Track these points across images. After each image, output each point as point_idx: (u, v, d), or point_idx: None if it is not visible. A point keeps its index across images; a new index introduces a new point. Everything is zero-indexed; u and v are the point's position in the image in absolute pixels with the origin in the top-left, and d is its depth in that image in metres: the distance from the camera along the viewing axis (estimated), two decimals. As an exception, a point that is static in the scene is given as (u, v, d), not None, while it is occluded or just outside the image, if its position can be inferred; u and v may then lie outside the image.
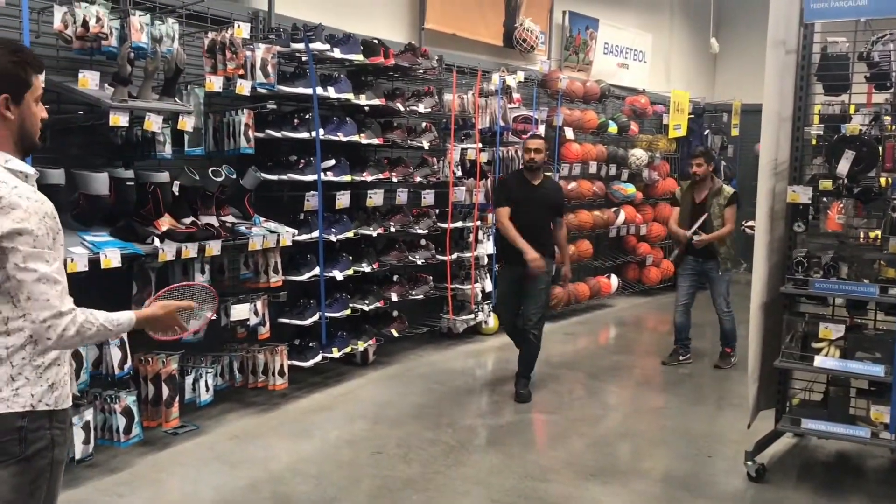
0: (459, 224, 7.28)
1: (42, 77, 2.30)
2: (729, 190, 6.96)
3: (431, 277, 7.09)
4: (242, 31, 4.95)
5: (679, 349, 7.19)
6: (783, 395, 4.85)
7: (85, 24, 4.20)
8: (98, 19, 4.22)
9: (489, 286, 7.69)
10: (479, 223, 7.44)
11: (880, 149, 4.38)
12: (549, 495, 4.34)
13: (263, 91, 5.27)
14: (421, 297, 6.96)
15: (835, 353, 4.45)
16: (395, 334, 6.69)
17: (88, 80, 4.10)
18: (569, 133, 8.74)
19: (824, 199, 4.56)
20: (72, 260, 4.01)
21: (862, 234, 4.60)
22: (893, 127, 4.46)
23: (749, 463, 4.54)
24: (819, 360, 4.44)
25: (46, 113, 2.32)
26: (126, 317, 2.33)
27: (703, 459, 4.91)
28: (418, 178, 6.77)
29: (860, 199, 4.56)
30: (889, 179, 4.53)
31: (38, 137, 2.28)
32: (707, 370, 6.98)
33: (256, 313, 5.32)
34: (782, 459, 4.88)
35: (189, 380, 4.98)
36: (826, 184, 4.47)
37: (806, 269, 4.52)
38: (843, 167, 4.39)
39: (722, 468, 4.74)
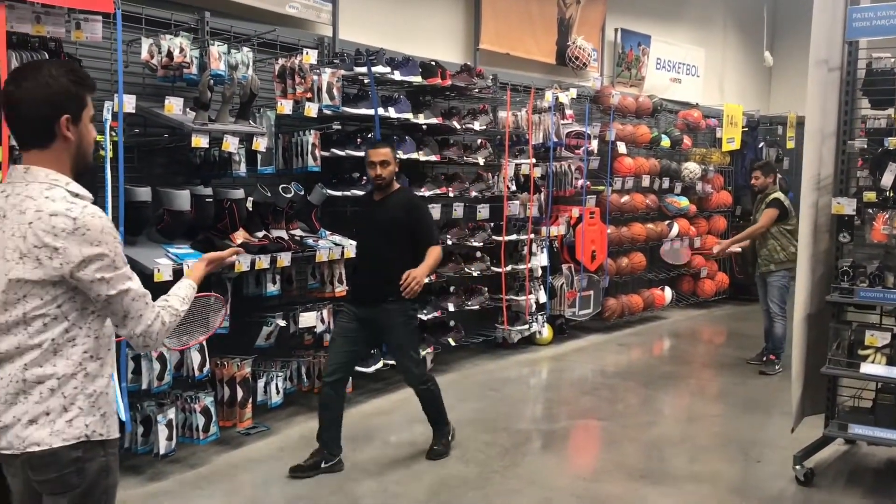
0: (513, 237, 7.52)
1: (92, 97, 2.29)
2: (773, 195, 7.15)
3: (486, 289, 7.34)
4: (311, 57, 5.30)
5: (773, 358, 7.36)
6: (831, 401, 4.96)
7: (170, 54, 4.60)
8: (181, 49, 4.61)
9: (543, 297, 7.90)
10: (532, 236, 7.67)
11: (924, 161, 4.50)
12: (601, 494, 4.53)
13: (329, 112, 5.61)
14: (476, 307, 7.22)
15: (881, 360, 4.56)
16: (452, 343, 6.95)
17: (173, 106, 4.48)
18: (622, 147, 8.92)
19: (869, 211, 4.68)
20: (158, 270, 4.37)
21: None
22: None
23: (798, 467, 4.66)
24: (865, 367, 4.55)
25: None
26: (185, 285, 2.39)
27: (752, 464, 5.05)
28: (474, 193, 7.05)
29: (906, 210, 4.68)
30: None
31: (89, 159, 2.28)
32: (760, 379, 7.07)
33: (322, 321, 5.64)
34: (832, 465, 4.98)
35: (261, 383, 5.32)
36: (870, 195, 4.60)
37: (851, 278, 4.64)
38: (888, 179, 4.52)
39: (771, 472, 4.87)
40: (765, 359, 7.30)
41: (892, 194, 4.57)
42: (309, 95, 5.42)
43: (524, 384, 6.94)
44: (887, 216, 4.60)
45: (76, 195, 2.15)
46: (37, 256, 2.06)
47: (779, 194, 7.21)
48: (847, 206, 4.61)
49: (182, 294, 2.39)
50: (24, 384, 2.12)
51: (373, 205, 4.85)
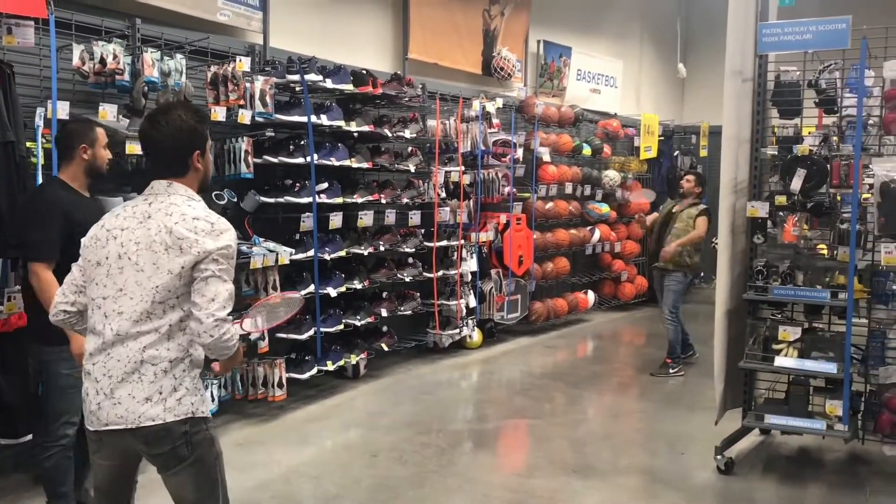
0: (444, 243, 7.66)
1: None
2: (703, 206, 7.45)
3: (419, 294, 7.46)
4: (244, 64, 5.32)
5: (669, 362, 7.61)
6: (749, 394, 5.27)
7: (102, 60, 4.57)
8: (115, 56, 4.58)
9: (473, 302, 8.06)
10: (463, 241, 7.82)
11: (829, 167, 4.84)
12: (535, 489, 4.70)
13: (262, 120, 5.64)
14: (409, 312, 7.32)
15: (793, 353, 4.87)
16: (385, 348, 7.03)
17: (107, 112, 4.45)
18: (546, 156, 9.18)
19: (780, 214, 5.00)
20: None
21: (814, 245, 5.04)
22: (840, 147, 4.93)
23: (718, 457, 4.92)
24: (779, 361, 4.86)
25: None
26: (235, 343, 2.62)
27: (676, 456, 5.30)
28: (405, 200, 7.16)
29: (813, 213, 5.02)
30: (839, 195, 4.99)
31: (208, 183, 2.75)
32: (680, 377, 7.38)
33: (257, 327, 5.63)
34: (749, 455, 5.27)
35: (196, 390, 5.28)
36: (781, 199, 4.92)
37: (766, 277, 4.95)
38: (796, 184, 4.84)
39: (694, 463, 5.12)
40: (666, 361, 7.54)
41: (800, 198, 4.89)
42: (242, 103, 5.43)
43: (456, 387, 7.08)
44: (796, 218, 4.92)
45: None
46: (180, 246, 2.47)
47: (706, 207, 7.49)
48: (760, 210, 4.92)
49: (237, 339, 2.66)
50: (140, 364, 2.47)
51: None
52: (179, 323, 2.51)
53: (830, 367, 4.71)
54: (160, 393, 2.48)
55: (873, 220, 4.62)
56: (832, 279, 4.88)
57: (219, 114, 5.25)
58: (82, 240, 2.64)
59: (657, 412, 6.34)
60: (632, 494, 4.69)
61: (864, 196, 4.78)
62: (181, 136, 2.58)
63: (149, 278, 2.48)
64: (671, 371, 7.43)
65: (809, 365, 4.78)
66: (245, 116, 5.44)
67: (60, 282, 2.80)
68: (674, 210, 7.55)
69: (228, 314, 2.49)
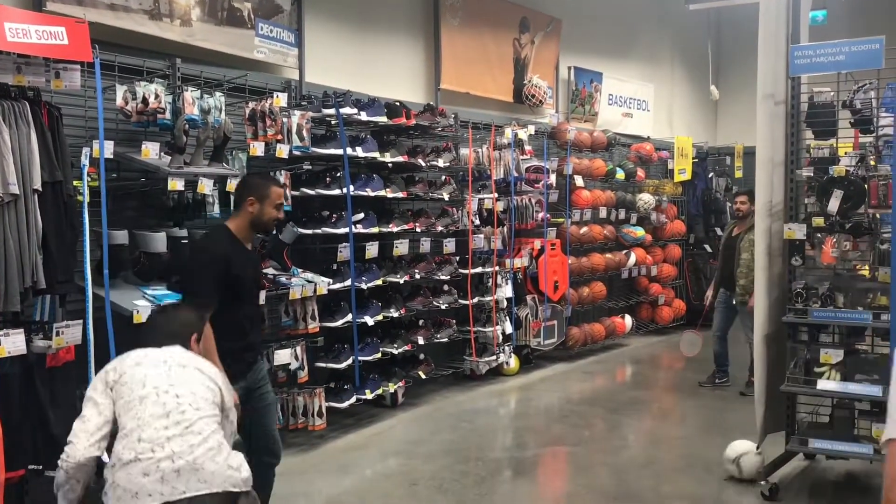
0: (479, 270, 7.69)
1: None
2: None
3: (454, 321, 7.48)
4: (280, 100, 5.45)
5: (716, 372, 7.71)
6: (791, 418, 5.19)
7: (145, 100, 4.71)
8: (156, 95, 4.73)
9: (509, 328, 8.07)
10: (497, 268, 7.85)
11: (867, 187, 4.80)
12: (577, 517, 4.67)
13: (299, 153, 5.75)
14: (445, 339, 7.35)
15: (836, 376, 4.81)
16: (423, 376, 7.05)
17: (150, 151, 4.58)
18: (579, 181, 9.20)
19: (818, 235, 4.96)
20: (137, 311, 4.43)
21: (854, 266, 4.98)
22: (877, 167, 4.88)
23: (763, 483, 4.86)
24: (821, 384, 4.80)
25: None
26: None
27: (719, 482, 5.23)
28: (440, 228, 7.22)
29: (852, 234, 4.97)
30: (878, 215, 4.94)
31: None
32: (722, 402, 7.30)
33: (297, 358, 5.72)
34: (794, 480, 5.19)
35: (237, 421, 5.35)
36: (819, 221, 4.88)
37: (805, 299, 4.90)
38: (833, 205, 4.81)
39: (737, 489, 5.05)
40: (747, 382, 7.41)
41: (838, 219, 4.85)
42: (279, 137, 5.55)
43: (494, 414, 7.07)
44: (835, 240, 4.88)
45: None
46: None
47: None
48: (798, 232, 4.89)
49: None
50: None
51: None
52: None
53: (875, 390, 4.63)
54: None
55: (914, 239, 4.56)
56: (874, 300, 4.81)
57: (257, 149, 5.37)
58: None
59: (698, 437, 6.27)
60: (675, 522, 4.64)
61: (905, 216, 4.72)
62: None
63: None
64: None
65: (853, 388, 4.71)
66: (283, 151, 5.55)
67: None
68: (734, 234, 7.56)
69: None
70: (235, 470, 2.80)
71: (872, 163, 4.88)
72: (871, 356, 4.95)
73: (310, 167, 6.05)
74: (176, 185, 4.64)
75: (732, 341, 7.76)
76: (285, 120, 5.62)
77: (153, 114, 4.79)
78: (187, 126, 4.81)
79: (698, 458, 5.73)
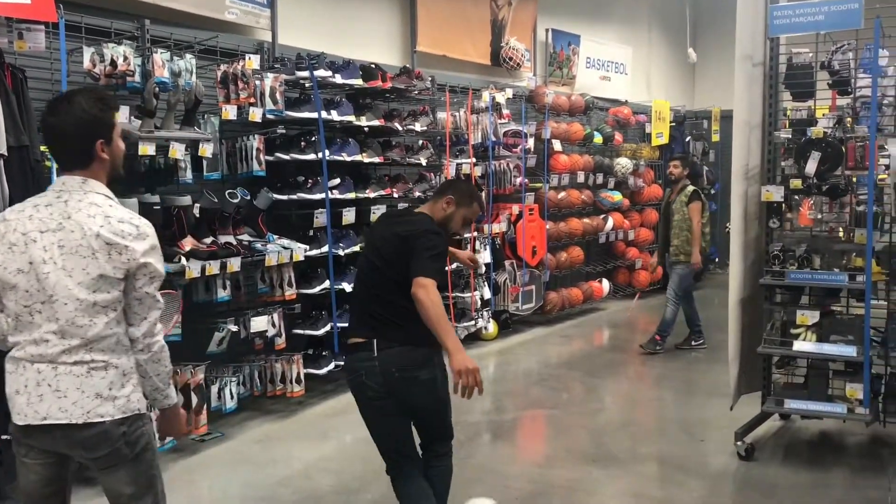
0: (456, 235, 7.64)
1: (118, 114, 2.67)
2: (690, 189, 7.51)
3: (433, 287, 7.44)
4: (253, 62, 5.33)
5: (690, 334, 7.88)
6: (767, 379, 5.24)
7: (113, 62, 4.58)
8: (125, 58, 4.60)
9: (488, 293, 8.06)
10: (475, 233, 7.82)
11: (844, 149, 4.79)
12: (555, 479, 4.70)
13: (272, 117, 5.65)
14: (424, 305, 7.30)
15: (811, 337, 4.84)
16: (401, 342, 7.01)
17: (119, 114, 4.45)
18: (557, 145, 9.15)
19: (796, 197, 4.96)
20: (109, 279, 4.34)
21: (831, 228, 5.00)
22: (855, 128, 4.88)
23: (738, 443, 4.90)
24: (798, 345, 4.83)
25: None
26: (173, 391, 2.67)
27: (695, 443, 5.29)
28: (417, 193, 7.15)
29: (829, 196, 4.98)
30: (854, 177, 4.95)
31: (120, 170, 2.64)
32: (697, 364, 7.36)
33: (273, 325, 5.67)
34: (769, 440, 5.25)
35: (214, 389, 5.32)
36: (796, 183, 4.88)
37: (782, 262, 4.92)
38: (811, 167, 4.80)
39: (714, 450, 5.10)
40: (655, 338, 7.75)
41: (815, 181, 4.85)
42: (252, 100, 5.44)
43: (473, 379, 7.07)
44: (812, 202, 4.89)
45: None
46: (108, 252, 2.41)
47: (694, 188, 7.63)
48: (776, 194, 4.88)
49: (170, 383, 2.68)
50: (81, 364, 2.42)
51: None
52: (113, 326, 2.46)
53: (850, 351, 4.68)
54: (106, 390, 2.43)
55: (890, 201, 4.57)
56: (849, 262, 4.84)
57: (230, 112, 5.27)
58: None
59: (675, 399, 6.33)
60: (653, 483, 4.68)
61: (880, 177, 4.74)
62: (82, 125, 2.44)
63: (78, 284, 2.40)
64: (657, 348, 7.64)
65: (829, 348, 4.75)
66: (256, 114, 5.45)
67: None
68: (668, 200, 7.78)
69: (157, 324, 2.54)
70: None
71: (850, 124, 4.87)
72: (846, 317, 5.00)
73: (284, 131, 5.94)
74: (146, 149, 4.54)
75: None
76: (258, 83, 5.51)
77: (122, 77, 4.66)
78: (157, 89, 4.69)
79: (674, 420, 5.79)
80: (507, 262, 8.49)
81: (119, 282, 2.44)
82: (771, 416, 5.31)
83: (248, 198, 5.60)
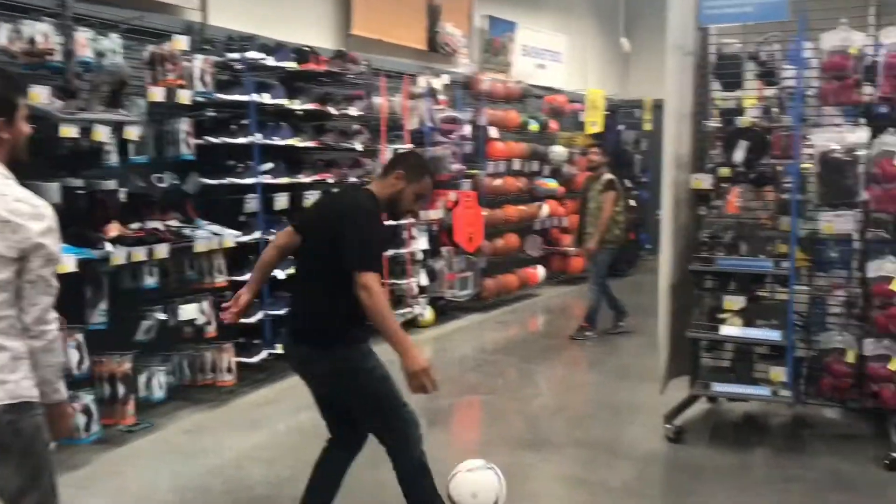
0: (393, 222, 7.60)
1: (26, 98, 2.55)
2: (606, 177, 7.63)
3: (369, 274, 7.38)
4: (181, 43, 5.18)
5: (615, 318, 8.00)
6: (695, 363, 5.36)
7: (32, 41, 4.39)
8: (46, 36, 4.41)
9: (424, 280, 8.05)
10: (412, 220, 7.78)
11: (770, 138, 4.91)
12: (490, 464, 4.72)
13: (202, 99, 5.51)
14: (360, 293, 7.24)
15: (738, 322, 4.96)
16: (336, 329, 6.95)
17: (39, 95, 4.29)
18: (493, 132, 9.17)
19: (724, 185, 5.07)
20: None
21: (757, 215, 5.13)
22: (781, 118, 5.01)
23: (667, 426, 5.01)
24: (724, 330, 4.95)
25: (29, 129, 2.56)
26: (63, 386, 2.52)
27: (626, 426, 5.38)
28: (352, 179, 7.07)
29: (756, 184, 5.10)
30: (781, 165, 5.08)
31: (23, 153, 2.53)
32: (629, 349, 7.49)
33: (203, 313, 5.55)
34: (698, 423, 5.37)
35: (142, 379, 5.19)
36: (725, 171, 4.99)
37: (710, 248, 5.03)
38: (739, 156, 4.92)
39: (644, 433, 5.19)
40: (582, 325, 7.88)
41: (743, 170, 4.96)
42: (181, 82, 5.29)
43: (409, 366, 7.06)
44: (740, 190, 5.00)
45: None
46: (2, 230, 2.34)
47: (612, 176, 7.74)
48: (705, 182, 4.99)
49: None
50: None
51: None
52: (5, 308, 2.37)
53: (774, 335, 4.81)
54: None
55: (813, 189, 4.71)
56: (775, 248, 4.97)
57: (157, 94, 5.11)
58: None
59: (608, 384, 6.43)
60: (584, 465, 4.74)
61: (805, 166, 4.87)
62: None
63: None
64: (587, 334, 7.76)
65: (754, 333, 4.88)
66: (184, 97, 5.30)
67: None
68: (586, 187, 7.92)
69: (54, 322, 2.43)
70: None
71: (777, 114, 5.00)
72: (771, 302, 5.14)
73: (214, 114, 5.80)
74: (68, 131, 4.37)
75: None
76: (187, 64, 5.36)
77: (42, 55, 4.47)
78: (81, 69, 4.51)
79: (607, 404, 5.88)
80: (443, 249, 8.49)
81: (13, 262, 2.35)
82: (699, 399, 5.44)
83: (177, 182, 5.46)
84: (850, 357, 4.72)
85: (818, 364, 4.89)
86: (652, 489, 4.48)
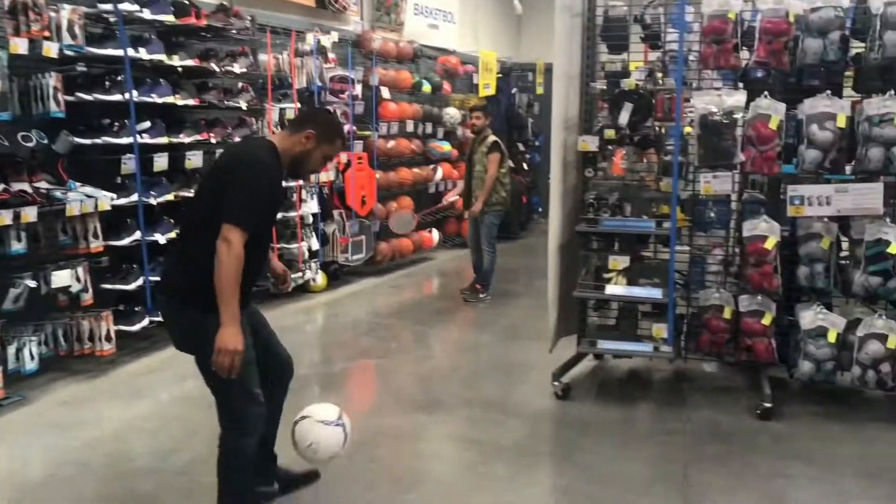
0: (283, 184, 7.39)
1: None
2: (490, 139, 7.70)
3: (257, 237, 7.18)
4: (46, -9, 4.82)
5: (474, 282, 8.04)
6: (582, 322, 5.48)
7: None
8: None
9: (316, 244, 7.90)
10: (301, 182, 7.59)
11: (653, 101, 5.01)
12: (383, 427, 4.70)
13: (71, 53, 5.16)
14: (247, 257, 7.04)
15: (622, 281, 5.09)
16: (224, 295, 6.75)
17: None
18: (385, 93, 9.02)
19: (609, 147, 5.15)
20: None
21: (641, 177, 5.24)
22: (664, 81, 5.11)
23: (555, 383, 5.11)
24: (609, 289, 5.07)
25: None
26: None
27: (516, 385, 5.46)
28: (237, 139, 6.82)
29: (639, 146, 5.21)
30: (664, 128, 5.20)
31: None
32: (521, 310, 7.60)
33: (78, 280, 5.27)
34: (584, 380, 5.51)
35: (12, 349, 4.90)
36: (610, 133, 5.06)
37: (596, 210, 5.11)
38: (624, 118, 4.99)
39: (534, 391, 5.28)
40: (476, 287, 7.98)
41: (627, 132, 5.05)
42: (47, 34, 4.93)
43: (300, 331, 6.95)
44: (624, 152, 5.09)
45: None
46: None
47: (496, 138, 7.80)
48: (591, 144, 5.05)
49: None
50: None
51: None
52: None
53: (656, 293, 4.96)
54: None
55: (694, 151, 4.84)
56: (657, 209, 5.10)
57: (20, 46, 4.74)
58: None
59: (499, 344, 6.51)
60: (476, 424, 4.79)
61: (686, 129, 5.00)
62: None
63: None
64: (482, 296, 7.86)
65: (637, 291, 5.02)
66: (51, 49, 4.94)
67: None
68: (471, 150, 7.92)
69: None
70: None
71: (660, 77, 5.09)
72: (654, 262, 5.29)
73: (86, 69, 5.45)
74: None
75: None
76: (53, 14, 5.01)
77: None
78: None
79: (498, 364, 5.95)
80: (335, 212, 8.35)
81: None
82: (586, 356, 5.57)
83: (46, 141, 5.12)
84: (727, 313, 4.92)
85: (697, 321, 5.08)
86: (541, 446, 4.57)
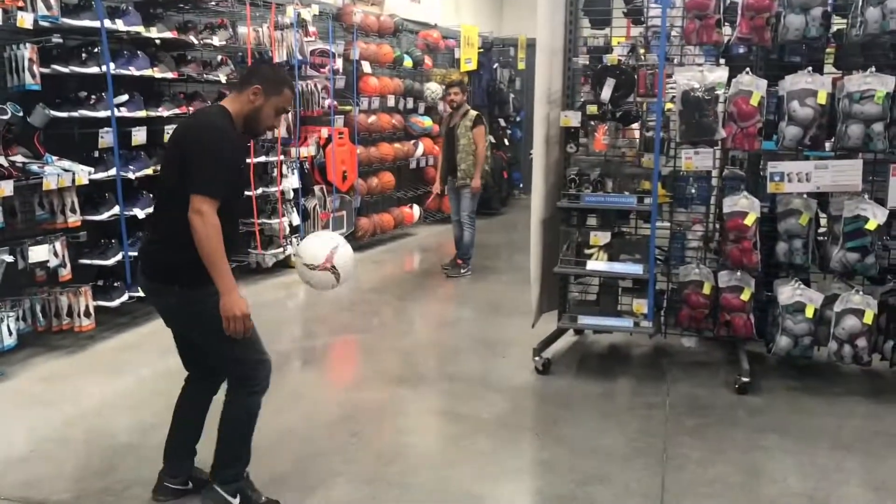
0: (262, 159, 7.35)
1: None
2: (473, 113, 7.74)
3: (237, 213, 7.14)
4: (19, -41, 4.72)
5: (456, 257, 8.04)
6: (564, 297, 5.50)
7: None
8: None
9: (297, 220, 7.86)
10: (282, 157, 7.54)
11: (636, 76, 5.00)
12: (364, 401, 4.71)
13: (47, 24, 5.07)
14: (227, 232, 7.00)
15: (603, 257, 5.11)
16: (204, 270, 6.71)
17: None
18: (366, 67, 8.95)
19: (591, 123, 5.15)
20: None
21: (623, 153, 5.25)
22: (647, 57, 5.10)
23: (536, 358, 5.14)
24: (591, 265, 5.09)
25: None
26: None
27: (497, 360, 5.49)
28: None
29: (622, 122, 5.21)
30: (646, 104, 5.20)
31: None
32: (502, 285, 7.62)
33: (56, 255, 5.22)
34: (565, 354, 5.55)
35: (-11, 325, 4.84)
36: (593, 109, 5.06)
37: (578, 185, 5.12)
38: (606, 93, 4.99)
39: (515, 366, 5.31)
40: (457, 262, 8.00)
41: (609, 107, 5.05)
42: (21, 4, 4.85)
43: (282, 307, 6.93)
44: (607, 128, 5.09)
45: None
46: None
47: (474, 112, 7.84)
48: (573, 119, 5.04)
49: None
50: None
51: None
52: None
53: (637, 269, 4.99)
54: None
55: (675, 127, 4.85)
56: (639, 185, 5.12)
57: (-7, 16, 4.66)
58: None
59: (480, 319, 6.53)
60: (456, 398, 4.81)
61: (668, 105, 5.00)
62: None
63: None
64: (462, 271, 7.90)
65: (618, 267, 5.04)
66: (26, 20, 4.86)
67: None
68: (451, 124, 7.90)
69: None
70: None
71: (642, 53, 5.09)
72: (635, 237, 5.31)
73: (61, 41, 5.34)
74: None
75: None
76: (27, -16, 4.90)
77: None
78: None
79: (479, 338, 5.97)
80: (316, 188, 8.29)
81: None
82: (566, 331, 5.60)
83: (21, 114, 5.04)
84: (707, 289, 4.97)
85: (677, 296, 5.12)
86: (522, 419, 4.60)
